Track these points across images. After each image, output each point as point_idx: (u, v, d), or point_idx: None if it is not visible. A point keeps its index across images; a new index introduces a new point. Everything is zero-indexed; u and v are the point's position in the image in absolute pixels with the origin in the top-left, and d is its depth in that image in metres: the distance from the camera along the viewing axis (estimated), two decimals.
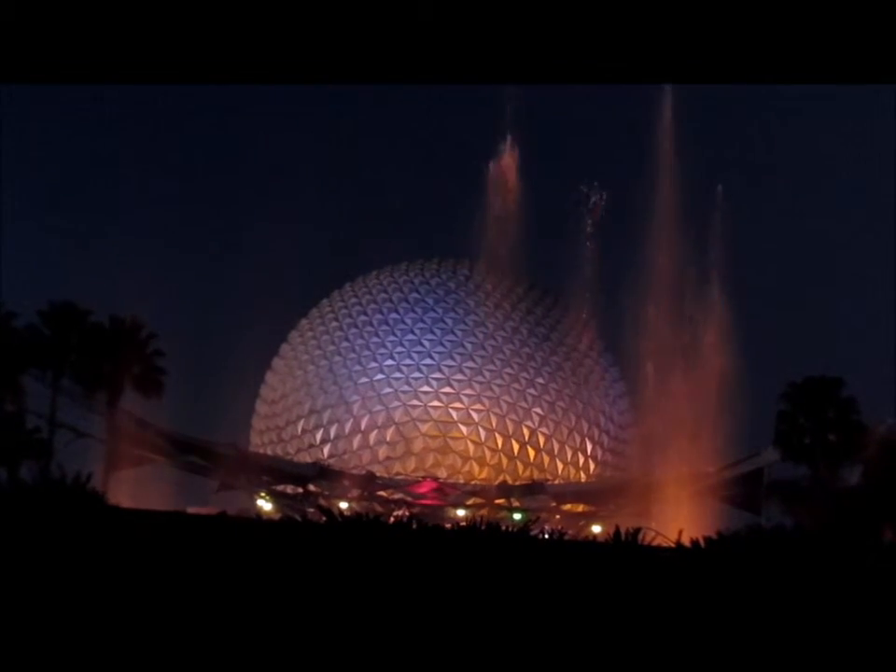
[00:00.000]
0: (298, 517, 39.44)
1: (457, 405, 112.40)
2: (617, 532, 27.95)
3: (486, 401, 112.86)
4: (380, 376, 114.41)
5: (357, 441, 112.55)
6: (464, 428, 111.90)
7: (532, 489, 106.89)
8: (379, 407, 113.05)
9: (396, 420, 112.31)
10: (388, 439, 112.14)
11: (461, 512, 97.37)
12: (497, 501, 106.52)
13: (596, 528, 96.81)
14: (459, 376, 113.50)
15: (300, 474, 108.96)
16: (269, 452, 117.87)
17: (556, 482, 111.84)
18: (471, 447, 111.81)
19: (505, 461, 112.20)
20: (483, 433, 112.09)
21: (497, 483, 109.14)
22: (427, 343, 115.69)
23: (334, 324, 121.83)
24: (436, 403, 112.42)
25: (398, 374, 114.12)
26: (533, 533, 29.39)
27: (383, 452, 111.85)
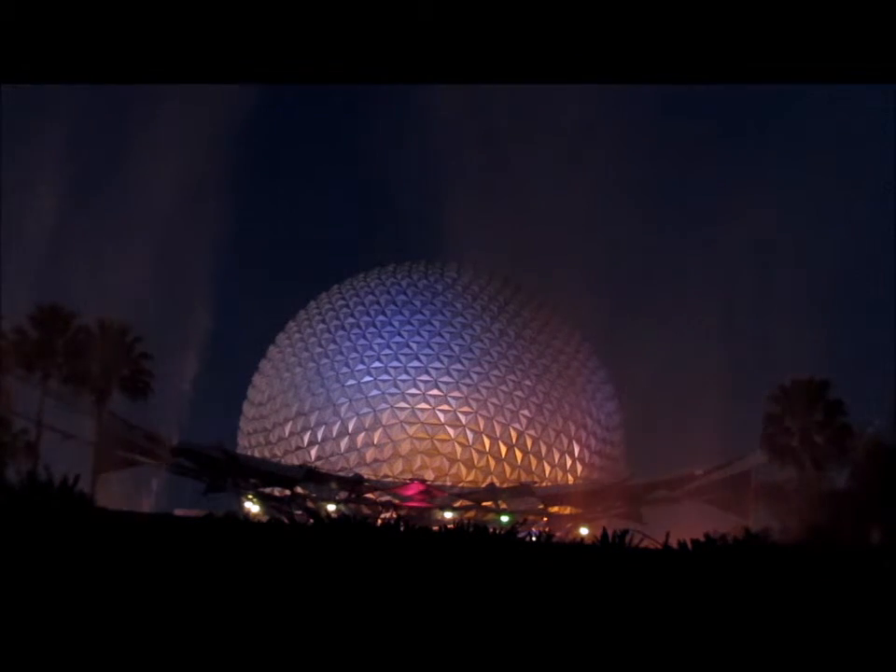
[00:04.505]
0: (285, 519, 39.44)
1: (445, 407, 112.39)
2: (604, 534, 28.03)
3: (474, 404, 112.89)
4: (367, 378, 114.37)
5: (344, 444, 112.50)
6: (451, 431, 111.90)
7: (519, 491, 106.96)
8: (366, 409, 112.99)
9: (383, 422, 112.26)
10: (376, 441, 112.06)
11: (448, 515, 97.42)
12: (485, 503, 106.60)
13: (584, 531, 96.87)
14: (447, 378, 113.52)
15: (287, 476, 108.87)
16: (256, 454, 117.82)
17: (544, 484, 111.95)
18: (459, 449, 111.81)
19: (492, 463, 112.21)
20: (470, 435, 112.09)
21: (484, 485, 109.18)
22: (414, 346, 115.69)
23: (321, 326, 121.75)
24: (423, 405, 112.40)
25: (385, 376, 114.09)
26: (520, 535, 29.45)
27: (370, 454, 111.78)
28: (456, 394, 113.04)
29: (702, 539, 29.10)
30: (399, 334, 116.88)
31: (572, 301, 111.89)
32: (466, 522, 28.34)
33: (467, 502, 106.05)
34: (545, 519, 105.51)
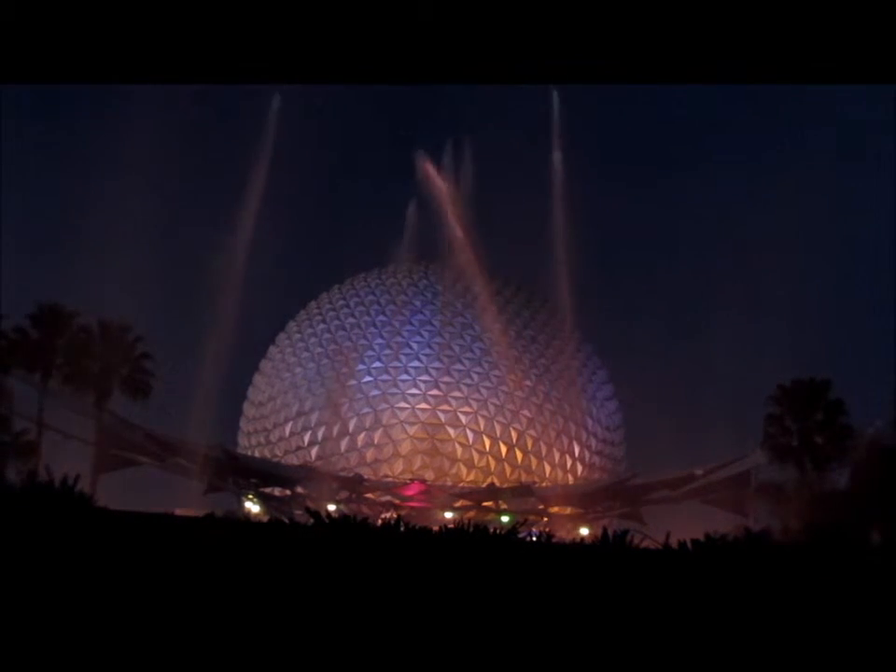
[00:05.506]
0: (285, 519, 39.39)
1: (445, 407, 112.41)
2: (604, 534, 27.98)
3: (474, 404, 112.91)
4: (368, 378, 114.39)
5: (344, 444, 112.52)
6: (452, 431, 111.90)
7: (520, 491, 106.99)
8: (367, 409, 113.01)
9: (384, 422, 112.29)
10: (376, 441, 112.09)
11: (449, 515, 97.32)
12: (485, 504, 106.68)
13: (584, 531, 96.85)
14: (447, 378, 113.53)
15: (287, 476, 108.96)
16: (257, 454, 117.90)
17: (544, 484, 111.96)
18: (459, 449, 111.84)
19: (493, 463, 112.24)
20: (470, 435, 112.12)
21: (484, 485, 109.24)
22: (414, 346, 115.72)
23: (322, 326, 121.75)
24: (424, 405, 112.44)
25: (385, 376, 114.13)
26: (520, 535, 29.39)
27: (370, 454, 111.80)
28: (457, 394, 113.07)
29: (702, 538, 29.05)
30: (400, 334, 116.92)
31: (573, 300, 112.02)
32: (466, 522, 28.23)
33: (467, 502, 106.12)
34: (545, 519, 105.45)
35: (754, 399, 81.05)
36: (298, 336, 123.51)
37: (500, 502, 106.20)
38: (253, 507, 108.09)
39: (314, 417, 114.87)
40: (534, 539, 32.94)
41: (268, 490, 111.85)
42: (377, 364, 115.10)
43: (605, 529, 29.08)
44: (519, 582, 20.82)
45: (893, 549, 50.19)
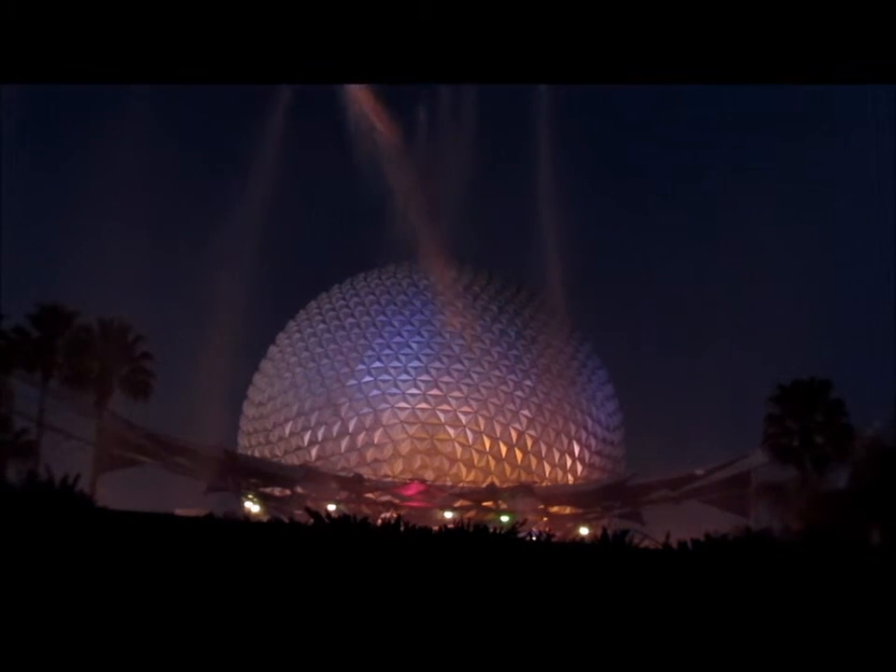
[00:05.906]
0: (285, 519, 39.41)
1: (445, 407, 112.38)
2: (604, 534, 28.02)
3: (474, 404, 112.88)
4: (368, 378, 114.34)
5: (344, 444, 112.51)
6: (451, 431, 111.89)
7: (520, 491, 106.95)
8: (367, 409, 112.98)
9: (383, 422, 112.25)
10: (376, 441, 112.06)
11: (448, 514, 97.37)
12: (485, 503, 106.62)
13: (584, 530, 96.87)
14: (447, 378, 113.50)
15: (287, 476, 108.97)
16: (256, 454, 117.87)
17: (544, 484, 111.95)
18: (459, 449, 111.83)
19: (492, 463, 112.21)
20: (470, 435, 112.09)
21: (484, 485, 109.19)
22: (414, 345, 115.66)
23: (322, 326, 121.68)
24: (424, 405, 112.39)
25: (385, 376, 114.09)
26: (520, 535, 29.39)
27: (370, 454, 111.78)
28: (457, 394, 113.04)
29: (702, 538, 29.07)
30: (400, 334, 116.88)
31: (572, 300, 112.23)
32: (466, 522, 28.28)
33: (467, 502, 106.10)
34: (545, 519, 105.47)
35: (754, 399, 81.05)
36: (298, 336, 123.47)
37: (500, 502, 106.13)
38: (253, 507, 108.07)
39: (314, 417, 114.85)
40: (534, 538, 32.95)
41: (268, 490, 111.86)
42: (377, 364, 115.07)
43: (605, 529, 29.14)
44: (519, 582, 20.83)
45: (893, 549, 50.23)
